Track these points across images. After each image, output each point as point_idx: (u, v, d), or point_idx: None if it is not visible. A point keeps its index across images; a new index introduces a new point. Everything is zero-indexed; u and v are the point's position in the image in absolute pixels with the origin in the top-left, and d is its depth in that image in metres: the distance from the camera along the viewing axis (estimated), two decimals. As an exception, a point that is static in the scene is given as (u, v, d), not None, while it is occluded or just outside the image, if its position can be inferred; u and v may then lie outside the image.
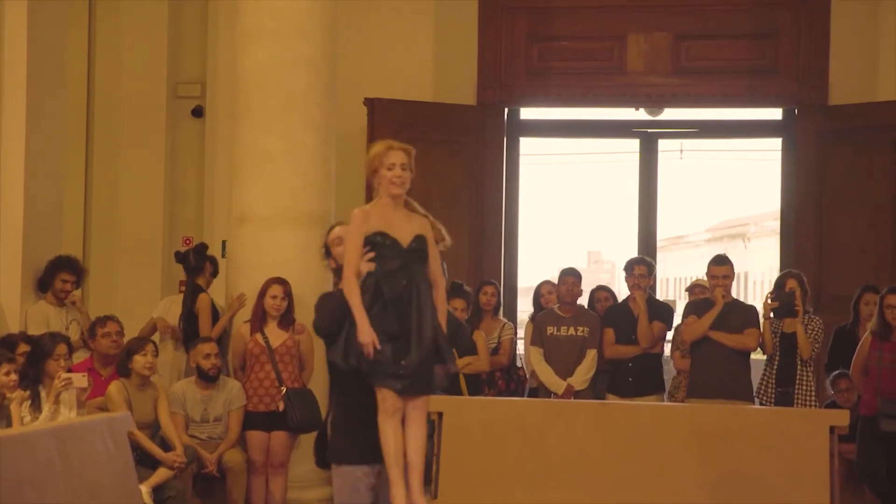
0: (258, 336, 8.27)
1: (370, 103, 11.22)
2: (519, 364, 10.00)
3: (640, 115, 12.26)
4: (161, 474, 7.60)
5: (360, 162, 11.06)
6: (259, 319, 8.29)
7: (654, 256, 11.13)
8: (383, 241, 5.50)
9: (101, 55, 11.55)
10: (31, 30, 8.71)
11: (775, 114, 12.09)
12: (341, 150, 9.42)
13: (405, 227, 5.61)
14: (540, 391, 9.40)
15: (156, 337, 8.93)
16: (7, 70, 8.51)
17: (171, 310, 9.20)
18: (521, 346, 10.50)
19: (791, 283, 8.82)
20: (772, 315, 8.72)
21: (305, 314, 8.43)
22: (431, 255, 5.66)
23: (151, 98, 11.50)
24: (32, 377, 7.35)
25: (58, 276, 8.63)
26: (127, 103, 11.46)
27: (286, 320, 8.31)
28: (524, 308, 12.22)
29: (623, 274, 9.58)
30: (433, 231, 5.74)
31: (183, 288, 9.57)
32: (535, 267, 10.47)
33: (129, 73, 11.48)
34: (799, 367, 8.68)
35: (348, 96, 10.49)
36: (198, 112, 11.73)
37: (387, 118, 11.28)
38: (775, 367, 8.76)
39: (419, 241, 5.58)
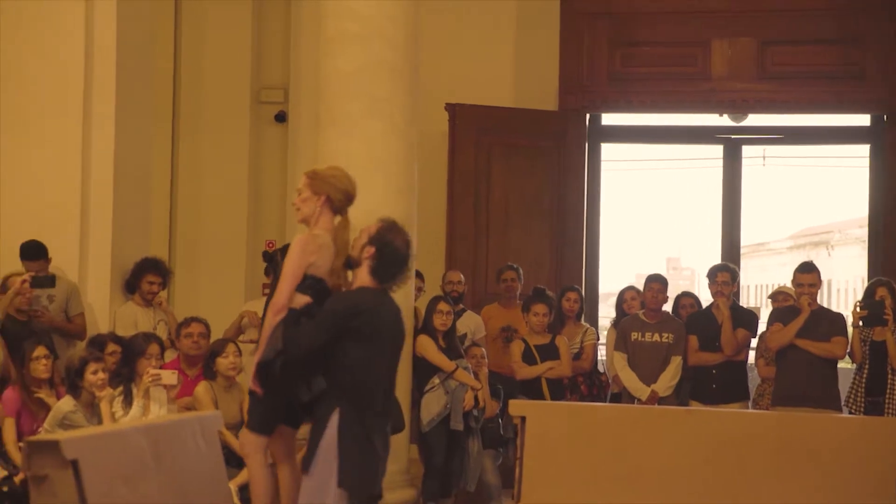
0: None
1: (451, 109, 11.26)
2: (601, 369, 9.98)
3: (724, 121, 12.16)
4: (247, 474, 7.65)
5: (442, 166, 11.22)
6: (343, 322, 8.32)
7: (737, 263, 11.03)
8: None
9: (187, 59, 11.72)
10: (120, 32, 8.83)
11: (863, 120, 11.93)
12: (423, 154, 9.46)
13: None
14: (623, 396, 9.36)
15: (249, 334, 8.97)
16: (97, 73, 8.63)
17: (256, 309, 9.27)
18: (602, 352, 10.46)
19: (881, 292, 8.69)
20: (861, 324, 8.59)
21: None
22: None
23: (235, 103, 11.64)
24: (126, 376, 7.47)
25: (144, 277, 8.74)
26: (211, 108, 11.61)
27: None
28: (606, 314, 12.19)
29: (704, 281, 9.50)
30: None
31: (267, 290, 9.63)
32: (615, 273, 10.49)
33: (214, 78, 11.63)
34: (890, 375, 8.53)
35: (430, 101, 10.53)
36: (281, 117, 11.84)
37: (468, 123, 11.32)
38: (865, 375, 8.63)
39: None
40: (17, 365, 7.53)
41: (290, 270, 5.54)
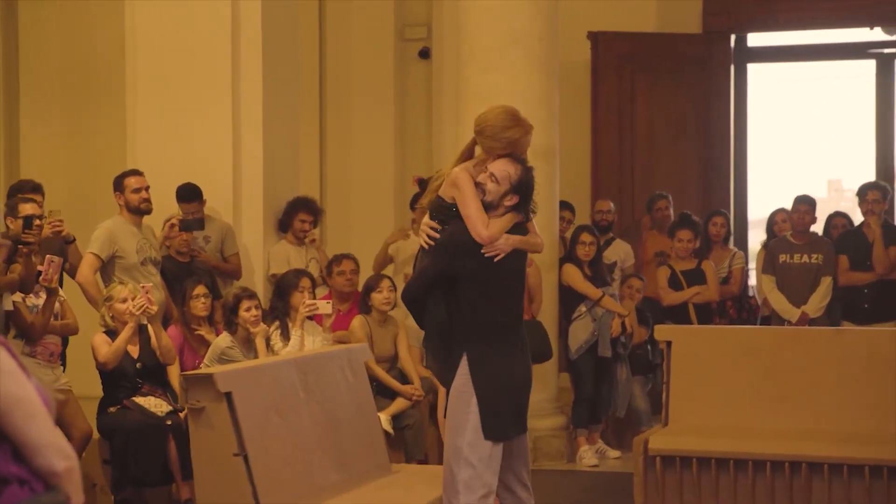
0: (488, 270, 8.42)
1: (593, 37, 11.21)
2: (751, 293, 9.92)
3: (876, 34, 11.81)
4: (399, 404, 7.88)
5: (585, 96, 11.20)
6: (488, 254, 8.44)
7: (891, 181, 10.79)
8: None
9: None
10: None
11: None
12: (565, 84, 9.46)
13: None
14: (773, 319, 9.30)
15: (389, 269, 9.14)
16: (243, 15, 8.80)
17: (402, 247, 9.44)
18: (753, 276, 10.39)
19: None
20: None
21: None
22: None
23: (379, 41, 11.75)
24: (281, 310, 7.72)
25: (296, 216, 8.95)
26: (356, 47, 11.74)
27: (514, 254, 8.44)
28: (758, 238, 12.06)
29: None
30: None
31: (414, 225, 9.78)
32: (771, 196, 10.30)
33: (358, 16, 11.75)
34: None
35: (571, 30, 10.50)
36: (424, 53, 11.93)
37: (610, 51, 11.26)
38: None
39: None
40: (179, 303, 7.86)
41: (474, 211, 5.11)
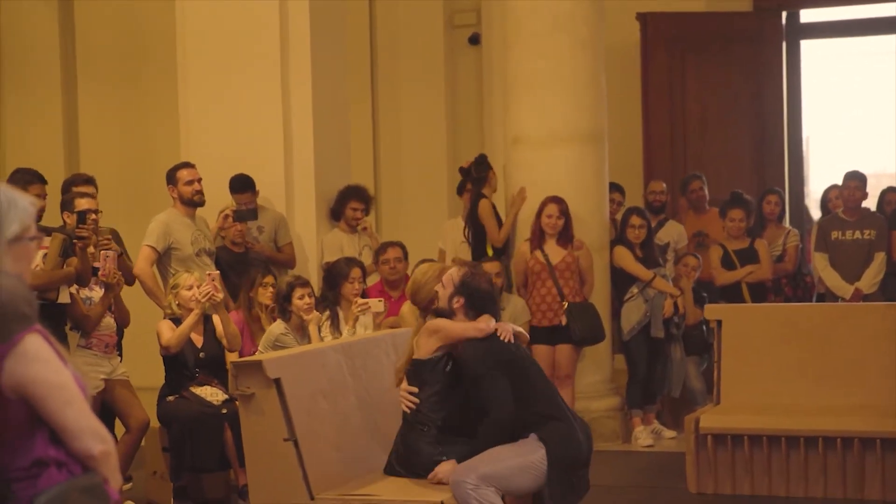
0: (538, 253, 8.48)
1: (642, 18, 11.18)
2: (806, 271, 9.86)
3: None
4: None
5: (635, 78, 11.17)
6: (538, 238, 8.50)
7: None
8: None
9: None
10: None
11: None
12: (615, 66, 9.45)
13: None
14: (827, 297, 9.24)
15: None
16: (292, 4, 8.88)
17: (452, 231, 9.50)
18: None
19: None
20: None
21: (583, 231, 8.60)
22: None
23: (429, 28, 11.81)
24: (331, 299, 7.81)
25: (348, 204, 9.02)
26: (406, 35, 11.81)
27: (564, 237, 8.48)
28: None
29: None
30: None
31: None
32: (835, 174, 10.20)
33: (408, 5, 11.81)
34: None
35: (620, 12, 10.51)
36: (474, 39, 11.97)
37: (659, 32, 11.22)
38: None
39: None
40: (246, 290, 7.95)
41: (460, 325, 5.52)
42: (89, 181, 7.78)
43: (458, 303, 5.50)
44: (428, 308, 5.67)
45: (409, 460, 5.49)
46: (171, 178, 8.13)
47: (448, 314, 5.52)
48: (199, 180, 8.10)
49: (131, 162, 10.24)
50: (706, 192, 10.13)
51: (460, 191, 9.54)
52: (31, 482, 2.82)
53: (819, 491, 7.00)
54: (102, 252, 6.93)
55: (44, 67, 11.38)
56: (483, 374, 5.38)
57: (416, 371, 5.52)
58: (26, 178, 7.24)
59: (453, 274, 5.56)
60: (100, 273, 6.90)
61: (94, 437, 2.88)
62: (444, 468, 5.36)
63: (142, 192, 7.79)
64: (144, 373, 7.96)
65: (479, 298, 5.53)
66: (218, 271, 7.50)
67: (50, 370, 2.83)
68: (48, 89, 11.36)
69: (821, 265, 9.18)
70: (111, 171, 8.08)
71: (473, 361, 5.42)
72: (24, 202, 2.93)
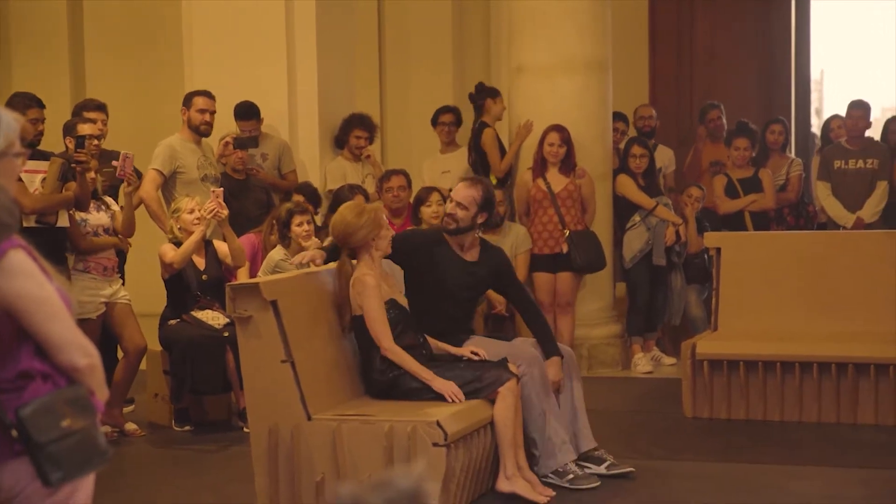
0: (540, 182, 8.49)
1: (650, -54, 11.11)
2: (808, 201, 9.86)
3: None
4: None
5: (643, 8, 11.09)
6: (540, 166, 8.51)
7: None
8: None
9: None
10: None
11: None
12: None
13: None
14: (829, 226, 9.26)
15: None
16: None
17: (429, 171, 9.49)
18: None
19: None
20: None
21: (585, 159, 8.61)
22: None
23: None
24: (332, 225, 7.81)
25: (352, 132, 9.04)
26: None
27: (567, 165, 8.49)
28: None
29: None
30: None
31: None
32: (843, 104, 10.16)
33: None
34: None
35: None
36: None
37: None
38: None
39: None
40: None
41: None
42: (100, 107, 7.80)
43: (482, 218, 5.90)
44: (356, 248, 5.65)
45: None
46: (188, 101, 8.14)
47: (468, 229, 5.87)
48: (212, 113, 8.10)
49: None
50: (724, 121, 10.12)
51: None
52: (16, 394, 2.88)
53: (813, 416, 7.06)
54: (123, 153, 6.98)
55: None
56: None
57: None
58: (25, 102, 7.25)
59: (474, 195, 5.84)
60: (117, 173, 6.96)
61: (78, 350, 2.93)
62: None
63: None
64: (147, 299, 8.03)
65: (493, 205, 6.01)
66: (222, 188, 7.48)
67: (34, 284, 2.88)
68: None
69: (823, 194, 9.19)
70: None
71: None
72: (9, 118, 2.96)
